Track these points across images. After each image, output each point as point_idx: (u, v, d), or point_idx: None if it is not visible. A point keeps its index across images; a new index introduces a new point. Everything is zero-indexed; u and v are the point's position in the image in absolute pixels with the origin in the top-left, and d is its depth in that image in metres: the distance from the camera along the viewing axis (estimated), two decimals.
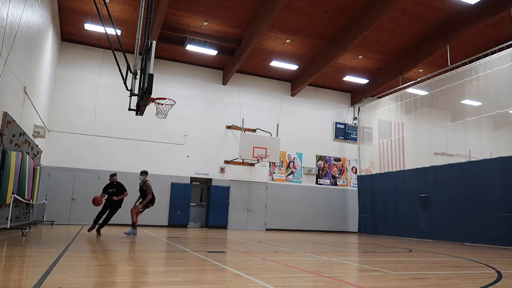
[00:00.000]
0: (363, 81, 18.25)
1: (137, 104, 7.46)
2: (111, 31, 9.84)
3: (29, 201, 10.53)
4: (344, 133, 19.60)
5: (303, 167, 18.58)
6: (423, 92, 15.74)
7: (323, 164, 19.04)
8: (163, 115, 8.24)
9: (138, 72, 7.27)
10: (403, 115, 16.75)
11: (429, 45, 14.79)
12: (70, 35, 15.20)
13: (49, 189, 14.30)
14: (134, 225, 9.92)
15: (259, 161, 15.65)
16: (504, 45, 12.11)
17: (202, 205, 17.22)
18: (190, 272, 4.35)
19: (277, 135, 16.72)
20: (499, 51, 12.32)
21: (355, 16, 13.54)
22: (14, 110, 8.90)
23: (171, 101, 7.99)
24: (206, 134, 16.92)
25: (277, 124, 17.11)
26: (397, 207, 15.64)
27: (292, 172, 18.36)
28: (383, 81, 17.54)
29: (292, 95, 18.79)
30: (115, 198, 9.73)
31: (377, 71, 17.69)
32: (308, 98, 19.11)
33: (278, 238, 11.79)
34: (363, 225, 17.55)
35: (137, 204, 10.13)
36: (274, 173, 18.03)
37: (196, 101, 17.11)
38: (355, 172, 19.39)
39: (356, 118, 19.72)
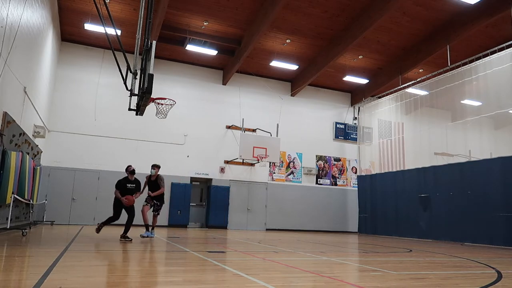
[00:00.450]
0: (363, 81, 18.25)
1: (137, 104, 7.46)
2: (111, 31, 9.84)
3: (29, 201, 10.53)
4: (344, 133, 19.60)
5: (303, 167, 18.58)
6: (423, 92, 15.74)
7: (323, 164, 19.04)
8: (163, 115, 8.24)
9: (138, 72, 7.26)
10: (403, 115, 16.75)
11: (429, 45, 14.79)
12: (70, 35, 15.20)
13: (49, 189, 14.30)
14: (148, 227, 9.54)
15: (259, 161, 15.65)
16: (504, 45, 12.11)
17: (202, 205, 17.21)
18: (190, 272, 4.35)
19: (277, 135, 16.72)
20: (499, 51, 12.32)
21: (355, 16, 13.54)
22: (14, 110, 8.90)
23: (171, 101, 7.99)
24: (206, 134, 16.92)
25: (277, 124, 17.10)
26: (397, 207, 15.64)
27: (292, 172, 18.36)
28: (383, 81, 17.54)
29: (292, 95, 18.79)
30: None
31: (377, 71, 17.69)
32: (308, 98, 19.11)
33: (278, 238, 11.79)
34: (363, 225, 17.54)
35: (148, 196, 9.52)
36: (274, 173, 18.03)
37: (196, 101, 17.11)
38: (355, 172, 19.39)
39: (356, 118, 19.71)
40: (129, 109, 7.74)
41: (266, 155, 15.57)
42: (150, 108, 7.86)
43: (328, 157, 19.20)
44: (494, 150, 12.83)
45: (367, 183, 17.72)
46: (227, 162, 17.16)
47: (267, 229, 17.32)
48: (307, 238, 12.51)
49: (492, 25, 13.44)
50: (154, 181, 9.50)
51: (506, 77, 12.01)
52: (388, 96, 17.39)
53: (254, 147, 15.58)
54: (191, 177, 16.58)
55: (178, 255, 5.90)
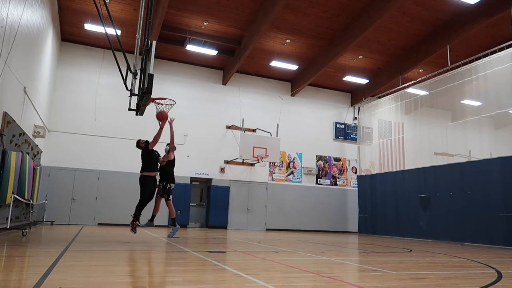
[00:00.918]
0: (363, 81, 18.25)
1: (137, 104, 7.45)
2: (111, 31, 9.83)
3: (29, 201, 10.52)
4: (344, 133, 19.61)
5: (303, 167, 18.58)
6: (423, 92, 15.74)
7: (323, 164, 19.04)
8: None
9: (138, 72, 7.26)
10: (403, 115, 16.75)
11: (429, 45, 14.79)
12: (70, 35, 15.20)
13: (49, 189, 14.30)
14: (174, 223, 8.78)
15: (259, 161, 15.65)
16: (504, 45, 12.11)
17: (202, 205, 17.21)
18: (190, 272, 4.35)
19: (277, 135, 16.72)
20: (499, 51, 12.31)
21: (355, 16, 13.54)
22: (14, 110, 8.90)
23: (171, 101, 7.99)
24: (206, 134, 16.92)
25: (277, 124, 17.10)
26: (397, 207, 15.64)
27: (292, 172, 18.36)
28: (383, 81, 17.54)
29: (292, 95, 18.79)
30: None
31: (377, 71, 17.69)
32: (308, 98, 19.11)
33: (278, 238, 11.79)
34: (363, 225, 17.54)
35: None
36: (274, 173, 18.03)
37: (196, 101, 17.11)
38: (355, 172, 19.39)
39: (356, 118, 19.72)
40: (129, 109, 7.74)
41: (266, 155, 15.57)
42: (150, 108, 7.86)
43: (328, 157, 19.20)
44: (494, 150, 12.83)
45: (367, 183, 17.72)
46: (227, 162, 17.16)
47: (267, 229, 17.32)
48: (307, 238, 12.51)
49: (492, 25, 13.44)
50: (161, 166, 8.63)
51: (506, 77, 12.01)
52: (388, 96, 17.39)
53: (254, 147, 15.59)
54: (191, 177, 16.58)
55: (178, 255, 5.90)
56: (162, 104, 7.90)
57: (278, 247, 8.16)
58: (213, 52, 15.70)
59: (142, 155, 8.20)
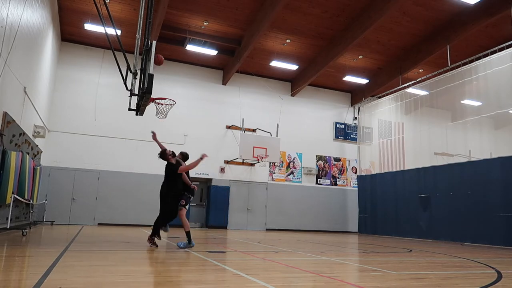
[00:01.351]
0: (363, 81, 18.25)
1: (137, 104, 7.45)
2: (111, 31, 9.83)
3: (29, 201, 10.52)
4: (344, 133, 19.60)
5: (303, 167, 18.58)
6: (423, 92, 15.74)
7: (323, 164, 19.03)
8: (163, 115, 8.24)
9: (138, 72, 7.26)
10: (403, 115, 16.75)
11: (429, 45, 14.79)
12: (70, 35, 15.20)
13: (49, 189, 14.30)
14: (189, 238, 6.97)
15: (259, 161, 15.65)
16: (504, 45, 12.11)
17: (202, 205, 17.21)
18: (190, 272, 4.35)
19: (277, 135, 16.71)
20: (499, 51, 12.31)
21: (355, 16, 13.54)
22: (14, 110, 8.90)
23: (171, 101, 7.99)
24: (206, 134, 16.91)
25: (277, 124, 17.10)
26: (397, 207, 15.64)
27: (292, 172, 18.36)
28: (383, 81, 17.54)
29: (292, 95, 18.79)
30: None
31: (377, 71, 17.69)
32: (308, 98, 19.11)
33: (278, 238, 11.79)
34: (363, 225, 17.54)
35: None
36: (274, 173, 18.03)
37: (196, 101, 17.11)
38: (355, 172, 19.39)
39: (356, 118, 19.71)
40: (129, 109, 7.74)
41: (266, 155, 15.57)
42: (150, 108, 7.86)
43: (328, 157, 19.20)
44: (494, 150, 12.83)
45: (367, 183, 17.72)
46: (227, 162, 17.16)
47: (267, 229, 17.32)
48: (307, 238, 12.51)
49: (492, 25, 13.44)
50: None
51: (506, 77, 12.01)
52: (388, 96, 17.39)
53: (254, 147, 15.58)
54: (191, 177, 16.50)
55: (178, 255, 5.90)
56: (162, 104, 7.90)
57: (278, 247, 8.16)
58: (213, 52, 15.69)
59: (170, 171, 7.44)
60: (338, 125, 19.54)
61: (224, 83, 17.70)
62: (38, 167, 11.97)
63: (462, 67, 13.58)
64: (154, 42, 6.87)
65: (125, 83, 7.51)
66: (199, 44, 15.13)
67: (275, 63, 16.68)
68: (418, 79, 15.67)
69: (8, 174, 8.18)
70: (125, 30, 14.21)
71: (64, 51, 15.47)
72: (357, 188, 18.56)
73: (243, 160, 16.09)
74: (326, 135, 19.33)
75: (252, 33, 14.27)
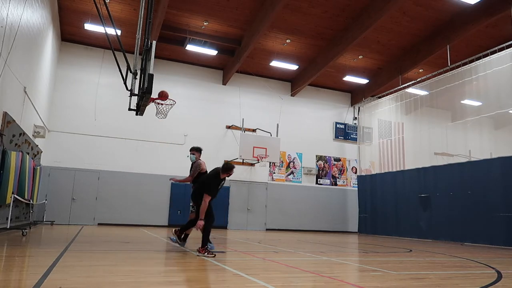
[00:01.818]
0: (363, 81, 18.25)
1: (137, 104, 7.45)
2: (111, 31, 9.83)
3: (29, 201, 10.52)
4: (344, 133, 19.60)
5: (303, 167, 18.58)
6: (423, 92, 15.74)
7: (323, 164, 19.03)
8: (163, 115, 8.23)
9: (138, 72, 7.26)
10: (403, 115, 16.75)
11: (429, 45, 14.79)
12: (70, 35, 15.20)
13: (49, 189, 14.30)
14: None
15: (259, 161, 15.64)
16: (504, 45, 12.11)
17: None
18: (190, 272, 4.35)
19: (277, 135, 16.71)
20: (499, 51, 12.32)
21: (355, 16, 13.54)
22: (14, 110, 8.90)
23: (171, 101, 7.98)
24: (206, 134, 16.91)
25: (277, 124, 17.10)
26: (397, 207, 15.64)
27: (292, 172, 18.36)
28: (383, 81, 17.54)
29: (292, 95, 18.79)
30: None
31: (377, 71, 17.69)
32: (308, 98, 19.11)
33: (278, 238, 11.79)
34: (363, 225, 17.54)
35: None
36: (274, 173, 18.03)
37: (196, 101, 17.11)
38: (355, 172, 19.39)
39: (356, 118, 19.71)
40: (129, 109, 7.73)
41: (266, 155, 15.57)
42: (150, 108, 7.86)
43: (328, 157, 19.20)
44: (494, 150, 12.83)
45: (367, 183, 17.72)
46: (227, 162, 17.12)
47: (267, 229, 17.32)
48: (307, 238, 12.51)
49: (492, 25, 13.43)
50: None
51: (506, 77, 12.01)
52: (388, 96, 17.39)
53: (254, 147, 15.58)
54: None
55: (178, 255, 5.90)
56: (162, 104, 7.90)
57: (278, 247, 8.16)
58: (213, 52, 15.69)
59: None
60: (338, 125, 19.53)
61: (224, 83, 17.70)
62: (38, 167, 11.97)
63: (462, 67, 13.58)
64: (154, 42, 6.86)
65: (125, 83, 7.51)
66: (199, 44, 15.13)
67: (275, 63, 16.68)
68: (418, 79, 15.67)
69: (8, 174, 8.18)
70: (125, 30, 14.21)
71: (64, 51, 15.47)
72: (357, 188, 18.55)
73: (243, 160, 16.09)
74: (326, 135, 19.33)
75: (252, 33, 14.27)
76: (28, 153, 10.26)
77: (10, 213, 8.26)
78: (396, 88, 16.65)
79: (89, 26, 13.68)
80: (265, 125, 17.35)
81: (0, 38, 7.15)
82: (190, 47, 15.15)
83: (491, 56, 12.51)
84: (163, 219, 15.75)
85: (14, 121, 8.73)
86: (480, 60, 12.92)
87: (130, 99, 7.61)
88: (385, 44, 15.36)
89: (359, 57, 16.41)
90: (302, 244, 9.36)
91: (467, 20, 13.14)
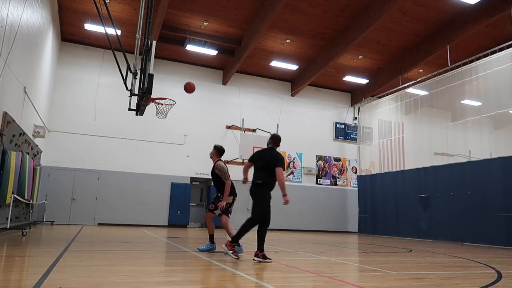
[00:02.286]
0: (363, 81, 18.25)
1: (137, 104, 7.45)
2: (111, 31, 9.83)
3: (29, 201, 10.52)
4: (344, 133, 19.60)
5: (303, 167, 18.58)
6: (423, 92, 15.74)
7: (323, 164, 19.03)
8: (163, 115, 8.24)
9: (138, 72, 7.26)
10: (403, 115, 16.75)
11: (429, 45, 14.79)
12: (70, 35, 15.20)
13: (49, 189, 14.30)
14: (211, 240, 6.74)
15: None
16: (504, 45, 12.11)
17: (202, 205, 17.21)
18: (190, 272, 4.35)
19: None
20: (499, 51, 12.32)
21: (355, 16, 13.54)
22: (14, 110, 8.90)
23: (171, 101, 7.99)
24: (206, 134, 16.91)
25: (277, 124, 17.10)
26: (397, 207, 15.63)
27: (292, 172, 18.36)
28: (383, 81, 17.54)
29: (292, 95, 18.79)
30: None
31: (377, 71, 17.69)
32: (308, 98, 19.11)
33: (278, 238, 11.79)
34: (363, 225, 17.54)
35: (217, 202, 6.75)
36: None
37: (196, 101, 17.09)
38: (355, 172, 19.39)
39: (356, 118, 19.71)
40: (129, 109, 7.74)
41: None
42: (150, 108, 7.86)
43: (328, 157, 19.19)
44: (494, 150, 12.83)
45: (367, 183, 17.72)
46: (227, 162, 17.12)
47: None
48: (307, 238, 12.51)
49: (492, 25, 13.44)
50: (214, 172, 6.86)
51: (506, 77, 12.01)
52: (388, 96, 17.39)
53: (254, 147, 15.56)
54: (191, 177, 16.57)
55: (178, 255, 5.90)
56: (162, 104, 7.90)
57: (278, 247, 8.16)
58: (213, 52, 15.69)
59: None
60: (338, 125, 19.53)
61: (224, 83, 17.70)
62: (38, 167, 11.97)
63: (462, 67, 13.58)
64: (154, 42, 6.86)
65: (125, 83, 7.51)
66: (199, 44, 15.13)
67: (275, 63, 16.68)
68: (418, 79, 15.66)
69: (8, 174, 8.18)
70: (125, 30, 14.21)
71: (64, 51, 15.47)
72: (357, 188, 18.55)
73: (243, 160, 16.08)
74: (326, 135, 19.33)
75: (252, 33, 14.27)
76: (28, 153, 10.26)
77: (10, 213, 8.26)
78: (396, 88, 16.64)
79: (89, 26, 13.68)
80: (265, 125, 17.35)
81: (0, 38, 7.15)
82: (190, 47, 15.15)
83: (491, 56, 12.51)
84: (163, 219, 15.74)
85: (14, 121, 8.73)
86: (480, 60, 12.92)
87: (130, 99, 7.61)
88: (385, 44, 15.36)
89: (359, 57, 16.41)
90: (302, 244, 9.36)
91: (467, 20, 13.14)
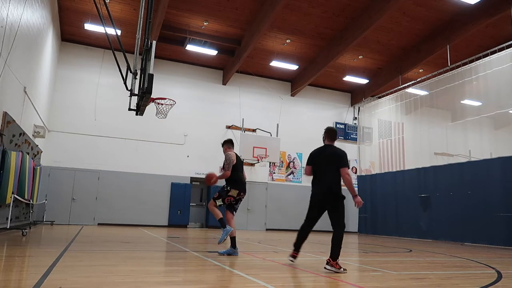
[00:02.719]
0: (363, 81, 18.25)
1: (137, 104, 7.45)
2: (111, 31, 9.83)
3: (29, 201, 10.52)
4: (344, 133, 19.60)
5: (303, 167, 18.58)
6: (423, 92, 15.75)
7: None
8: (163, 115, 8.23)
9: (138, 72, 7.26)
10: (403, 115, 16.76)
11: (429, 45, 14.79)
12: (70, 35, 15.20)
13: (49, 189, 14.30)
14: (223, 224, 6.06)
15: (259, 161, 15.64)
16: (504, 45, 12.12)
17: (202, 205, 17.21)
18: (190, 272, 4.35)
19: (277, 135, 16.71)
20: (499, 51, 12.33)
21: (355, 16, 13.54)
22: (14, 110, 8.90)
23: (171, 101, 7.98)
24: (206, 134, 16.91)
25: (277, 124, 17.10)
26: (397, 207, 15.63)
27: (292, 172, 18.36)
28: (383, 81, 17.54)
29: (292, 95, 18.78)
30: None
31: (377, 71, 17.69)
32: (308, 98, 19.11)
33: (278, 238, 11.80)
34: (363, 225, 17.54)
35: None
36: (274, 173, 18.03)
37: (196, 101, 17.11)
38: (355, 172, 19.38)
39: (356, 118, 19.71)
40: (129, 109, 7.73)
41: (266, 155, 15.56)
42: (150, 108, 7.86)
43: None
44: (494, 150, 12.84)
45: (367, 183, 17.71)
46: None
47: (267, 229, 17.32)
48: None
49: (492, 25, 13.44)
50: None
51: (506, 77, 12.02)
52: (388, 96, 17.40)
53: (254, 147, 15.58)
54: (191, 177, 16.57)
55: (178, 255, 5.90)
56: (162, 104, 7.90)
57: (278, 247, 8.16)
58: (213, 52, 15.69)
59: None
60: (338, 125, 19.53)
61: (224, 83, 17.70)
62: (38, 167, 11.97)
63: (462, 67, 13.59)
64: (154, 42, 6.86)
65: (125, 83, 7.51)
66: (199, 44, 15.13)
67: (275, 63, 16.68)
68: (418, 79, 15.67)
69: (8, 174, 8.18)
70: (125, 30, 14.21)
71: (64, 51, 15.47)
72: (357, 188, 18.54)
73: (243, 160, 16.06)
74: None
75: (252, 33, 14.27)
76: (28, 153, 10.26)
77: (10, 213, 8.26)
78: (396, 88, 16.65)
79: (89, 26, 13.68)
80: (265, 125, 17.35)
81: (0, 38, 7.15)
82: (190, 47, 15.15)
83: (491, 56, 12.52)
84: (163, 219, 15.74)
85: (14, 121, 8.73)
86: (480, 60, 12.93)
87: (130, 99, 7.60)
88: (385, 44, 15.36)
89: (359, 57, 16.41)
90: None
91: (467, 20, 13.14)
